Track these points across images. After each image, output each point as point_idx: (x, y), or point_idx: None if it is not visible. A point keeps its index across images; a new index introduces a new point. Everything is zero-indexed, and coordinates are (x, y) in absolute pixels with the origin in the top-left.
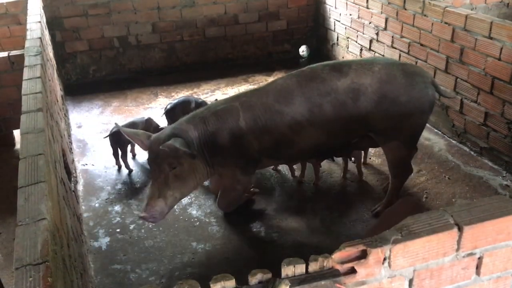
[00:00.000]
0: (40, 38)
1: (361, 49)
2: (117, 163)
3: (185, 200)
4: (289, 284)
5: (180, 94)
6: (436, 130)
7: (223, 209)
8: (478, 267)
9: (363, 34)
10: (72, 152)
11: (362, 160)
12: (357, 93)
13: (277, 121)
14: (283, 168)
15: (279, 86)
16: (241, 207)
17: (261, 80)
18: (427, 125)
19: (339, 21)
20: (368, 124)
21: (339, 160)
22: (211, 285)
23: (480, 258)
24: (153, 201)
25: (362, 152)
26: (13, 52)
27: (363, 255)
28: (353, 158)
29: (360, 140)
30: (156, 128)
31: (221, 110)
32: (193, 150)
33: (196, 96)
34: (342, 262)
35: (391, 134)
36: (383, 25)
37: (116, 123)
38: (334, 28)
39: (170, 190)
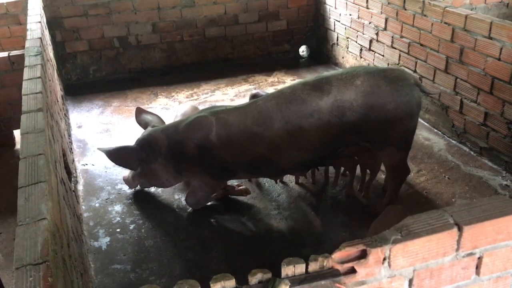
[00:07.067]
0: (40, 38)
1: (361, 49)
2: None
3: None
4: (289, 284)
5: (180, 94)
6: (436, 130)
7: (191, 206)
8: (478, 267)
9: (363, 34)
10: (72, 152)
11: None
12: (342, 110)
13: (255, 143)
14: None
15: (259, 108)
16: (241, 207)
17: (261, 80)
18: (427, 125)
19: (339, 21)
20: (357, 135)
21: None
22: (211, 285)
23: (480, 258)
24: (128, 175)
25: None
26: (13, 52)
27: (363, 255)
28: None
29: (347, 148)
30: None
31: (194, 121)
32: (156, 157)
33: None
34: (342, 262)
35: (383, 141)
36: (383, 25)
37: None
38: (334, 28)
39: (137, 176)
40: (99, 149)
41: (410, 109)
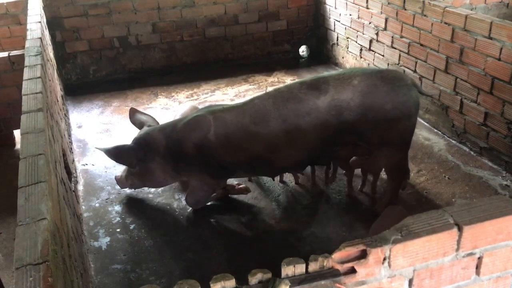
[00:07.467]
0: (40, 38)
1: (361, 49)
2: None
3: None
4: (289, 284)
5: (180, 94)
6: (436, 130)
7: (191, 206)
8: (478, 267)
9: (363, 34)
10: (72, 152)
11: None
12: (339, 110)
13: (253, 141)
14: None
15: (256, 107)
16: (241, 207)
17: (261, 80)
18: (427, 125)
19: (339, 21)
20: (355, 135)
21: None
22: (211, 285)
23: (480, 258)
24: (120, 175)
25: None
26: (13, 52)
27: (363, 255)
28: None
29: (342, 148)
30: None
31: (192, 120)
32: (153, 157)
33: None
34: (342, 262)
35: (381, 141)
36: (383, 25)
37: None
38: (334, 28)
39: (131, 175)
40: (97, 148)
41: (407, 109)
